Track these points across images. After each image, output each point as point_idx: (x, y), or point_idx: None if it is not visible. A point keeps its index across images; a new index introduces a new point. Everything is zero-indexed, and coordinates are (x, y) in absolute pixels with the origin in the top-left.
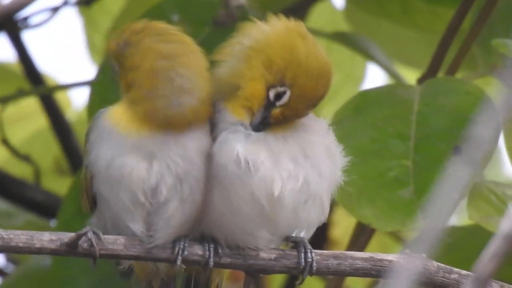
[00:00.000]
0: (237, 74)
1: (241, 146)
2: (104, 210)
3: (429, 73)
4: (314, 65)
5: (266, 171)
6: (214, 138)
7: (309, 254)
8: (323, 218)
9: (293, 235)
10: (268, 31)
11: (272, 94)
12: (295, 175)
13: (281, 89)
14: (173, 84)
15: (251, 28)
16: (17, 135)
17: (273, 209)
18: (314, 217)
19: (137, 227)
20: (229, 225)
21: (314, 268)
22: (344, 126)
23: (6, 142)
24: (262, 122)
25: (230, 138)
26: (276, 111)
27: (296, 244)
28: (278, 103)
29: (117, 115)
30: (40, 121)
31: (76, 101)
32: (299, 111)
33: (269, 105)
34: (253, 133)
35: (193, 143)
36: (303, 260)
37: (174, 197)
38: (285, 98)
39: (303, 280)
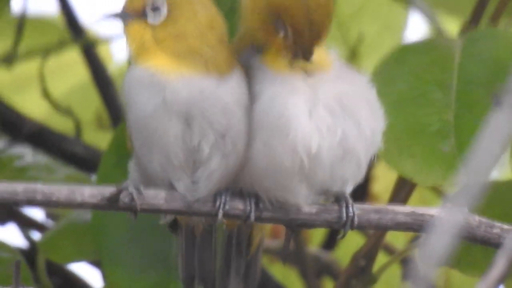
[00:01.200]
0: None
1: (281, 98)
2: (142, 163)
3: (472, 22)
4: None
5: (304, 126)
6: (252, 91)
7: (350, 208)
8: (359, 178)
9: (334, 190)
10: None
11: (280, 35)
12: (333, 129)
13: (280, 25)
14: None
15: None
16: (58, 88)
17: (312, 165)
18: (350, 176)
19: (179, 183)
20: (268, 180)
21: (356, 222)
22: (383, 76)
23: (47, 95)
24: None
25: (268, 87)
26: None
27: (337, 198)
28: (289, 37)
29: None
30: (81, 74)
31: (118, 54)
32: (305, 32)
33: (291, 42)
34: (292, 81)
35: (231, 96)
36: (344, 214)
37: (216, 153)
38: (289, 31)
39: (344, 234)
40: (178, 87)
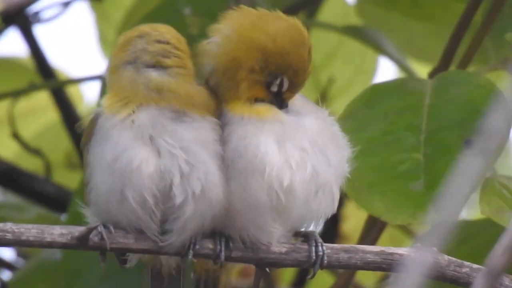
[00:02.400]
0: (224, 84)
1: (249, 134)
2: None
3: (441, 67)
4: (285, 43)
5: (277, 162)
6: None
7: (320, 247)
8: (333, 209)
9: (303, 229)
10: (227, 35)
11: (274, 89)
12: (303, 164)
13: (277, 81)
14: None
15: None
16: (28, 129)
17: (286, 199)
18: (325, 208)
19: (148, 230)
20: (243, 219)
21: (325, 261)
22: (355, 119)
23: (17, 136)
24: (281, 106)
25: (237, 129)
26: (286, 95)
27: (306, 237)
28: (283, 90)
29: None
30: (51, 115)
31: (88, 95)
32: (300, 84)
33: (276, 94)
34: (255, 120)
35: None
36: (314, 254)
37: (188, 198)
38: (286, 84)
39: (314, 274)
40: (142, 115)
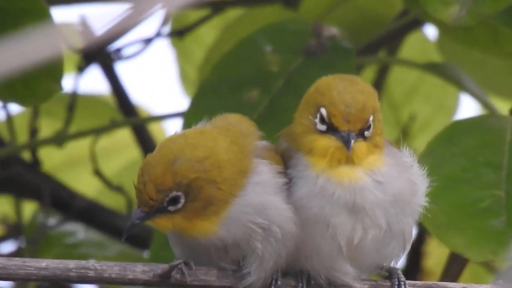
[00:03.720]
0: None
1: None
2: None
3: None
4: None
5: (345, 224)
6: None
7: (402, 286)
8: (407, 248)
9: (384, 265)
10: None
11: None
12: (378, 223)
13: None
14: None
15: None
16: (110, 167)
17: (352, 252)
18: (397, 252)
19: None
20: (315, 262)
21: None
22: (436, 156)
23: (99, 173)
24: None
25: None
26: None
27: (390, 274)
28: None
29: None
30: (133, 152)
31: (169, 132)
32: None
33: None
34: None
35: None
36: None
37: (266, 246)
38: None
39: None
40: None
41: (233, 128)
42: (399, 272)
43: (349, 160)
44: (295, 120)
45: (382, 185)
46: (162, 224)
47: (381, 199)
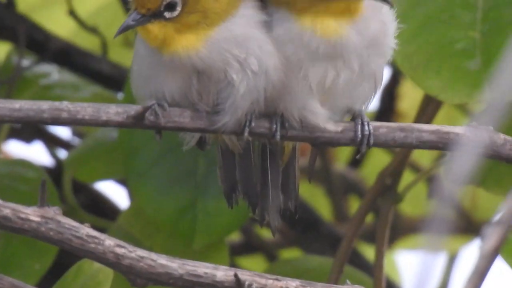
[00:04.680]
0: None
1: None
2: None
3: None
4: None
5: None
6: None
7: (366, 126)
8: (378, 90)
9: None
10: None
11: None
12: (350, 66)
13: None
14: None
15: None
16: (85, 7)
17: (324, 95)
18: (368, 94)
19: (201, 106)
20: (288, 102)
21: (371, 141)
22: None
23: (73, 14)
24: None
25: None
26: None
27: (353, 117)
28: None
29: None
30: None
31: None
32: None
33: None
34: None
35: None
36: (359, 133)
37: (242, 78)
38: None
39: (361, 153)
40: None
41: None
42: (363, 114)
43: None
44: None
45: (361, 33)
46: (153, 31)
47: (358, 46)
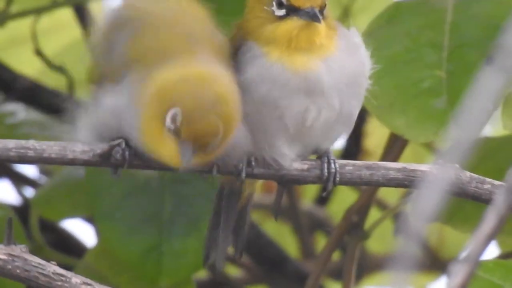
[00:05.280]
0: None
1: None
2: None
3: None
4: None
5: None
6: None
7: (332, 164)
8: (350, 131)
9: (323, 147)
10: None
11: None
12: (332, 104)
13: None
14: None
15: None
16: (51, 46)
17: (302, 134)
18: (343, 132)
19: None
20: (257, 140)
21: (338, 178)
22: (377, 37)
23: (40, 53)
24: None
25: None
26: None
27: (319, 155)
28: None
29: None
30: (74, 32)
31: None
32: None
33: None
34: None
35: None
36: (326, 171)
37: None
38: None
39: (327, 191)
40: None
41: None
42: (330, 151)
43: (310, 43)
44: (246, 17)
45: (337, 69)
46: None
47: (336, 83)
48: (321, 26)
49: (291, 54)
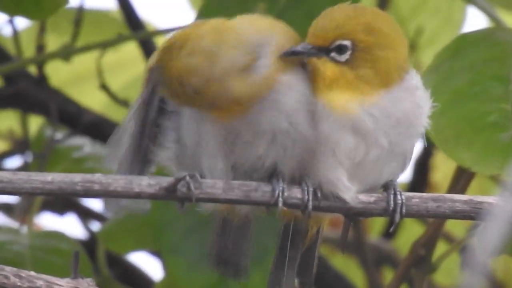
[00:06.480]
0: None
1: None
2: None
3: None
4: None
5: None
6: None
7: (398, 196)
8: (406, 169)
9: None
10: None
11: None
12: (379, 143)
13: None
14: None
15: None
16: (117, 81)
17: (353, 171)
18: (396, 171)
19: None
20: (317, 174)
21: (404, 211)
22: (443, 70)
23: (105, 87)
24: None
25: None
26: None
27: (386, 187)
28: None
29: None
30: (139, 66)
31: None
32: None
33: None
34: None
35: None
36: (392, 203)
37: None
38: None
39: (394, 223)
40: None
41: None
42: (396, 184)
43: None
44: None
45: (381, 111)
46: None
47: (382, 125)
48: (327, 65)
49: (334, 91)
